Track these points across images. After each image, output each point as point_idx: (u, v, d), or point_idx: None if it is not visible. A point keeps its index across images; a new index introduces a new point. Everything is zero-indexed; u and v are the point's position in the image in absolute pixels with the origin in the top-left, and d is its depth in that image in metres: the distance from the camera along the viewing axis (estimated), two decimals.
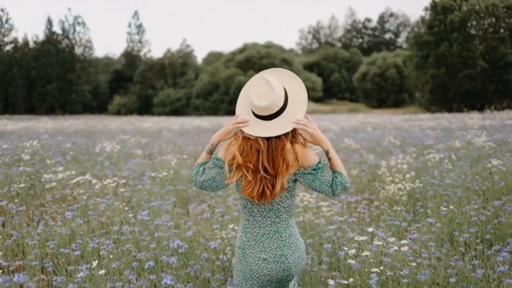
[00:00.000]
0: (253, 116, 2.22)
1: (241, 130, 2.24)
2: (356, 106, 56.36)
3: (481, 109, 34.41)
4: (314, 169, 2.22)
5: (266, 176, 2.19)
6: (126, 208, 4.82)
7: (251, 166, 2.19)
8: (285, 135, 2.20)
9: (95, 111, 54.83)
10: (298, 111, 2.20)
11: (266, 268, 2.25)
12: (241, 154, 2.20)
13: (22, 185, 5.84)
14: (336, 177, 2.23)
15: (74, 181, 5.54)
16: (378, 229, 4.55)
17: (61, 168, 6.46)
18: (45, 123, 23.03)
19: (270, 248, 2.25)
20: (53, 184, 5.95)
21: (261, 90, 2.17)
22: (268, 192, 2.19)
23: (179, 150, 10.28)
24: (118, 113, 53.15)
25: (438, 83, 42.22)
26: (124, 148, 10.21)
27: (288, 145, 2.19)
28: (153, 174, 6.48)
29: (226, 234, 4.15)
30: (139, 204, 5.06)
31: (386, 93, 57.07)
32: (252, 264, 2.26)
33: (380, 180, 6.79)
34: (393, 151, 9.22)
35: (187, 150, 10.00)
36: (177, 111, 51.37)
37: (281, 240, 2.26)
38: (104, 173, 7.33)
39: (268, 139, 2.20)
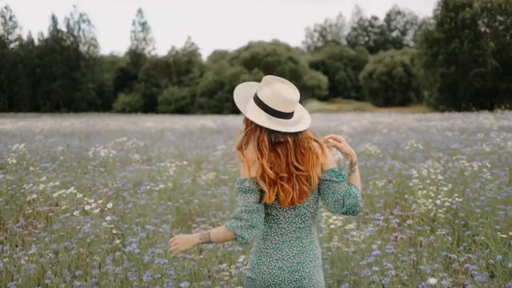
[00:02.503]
0: (269, 115, 2.09)
1: (269, 138, 2.08)
2: (362, 105, 55.38)
3: (491, 108, 33.34)
4: (336, 175, 2.14)
5: (298, 174, 2.11)
6: (114, 231, 4.00)
7: (285, 175, 2.10)
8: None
9: (100, 109, 54.24)
10: (306, 113, 2.22)
11: (279, 278, 2.14)
12: (271, 168, 2.09)
13: None
14: (351, 188, 2.15)
15: (56, 194, 4.68)
16: (422, 261, 3.74)
17: (44, 178, 5.58)
18: (44, 122, 22.24)
19: (288, 256, 2.16)
20: (34, 196, 5.14)
21: (285, 85, 2.12)
22: (305, 188, 2.12)
23: (180, 154, 9.44)
24: (123, 111, 52.46)
25: (448, 82, 41.20)
26: (120, 152, 9.35)
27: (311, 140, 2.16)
28: (149, 187, 5.61)
29: (236, 268, 3.35)
30: (129, 227, 4.21)
31: (392, 92, 56.18)
32: (264, 273, 2.15)
33: (410, 192, 5.95)
34: (418, 157, 8.34)
35: (189, 155, 9.14)
36: (181, 110, 50.67)
37: (302, 246, 2.17)
38: (94, 183, 6.48)
39: (296, 135, 2.12)
